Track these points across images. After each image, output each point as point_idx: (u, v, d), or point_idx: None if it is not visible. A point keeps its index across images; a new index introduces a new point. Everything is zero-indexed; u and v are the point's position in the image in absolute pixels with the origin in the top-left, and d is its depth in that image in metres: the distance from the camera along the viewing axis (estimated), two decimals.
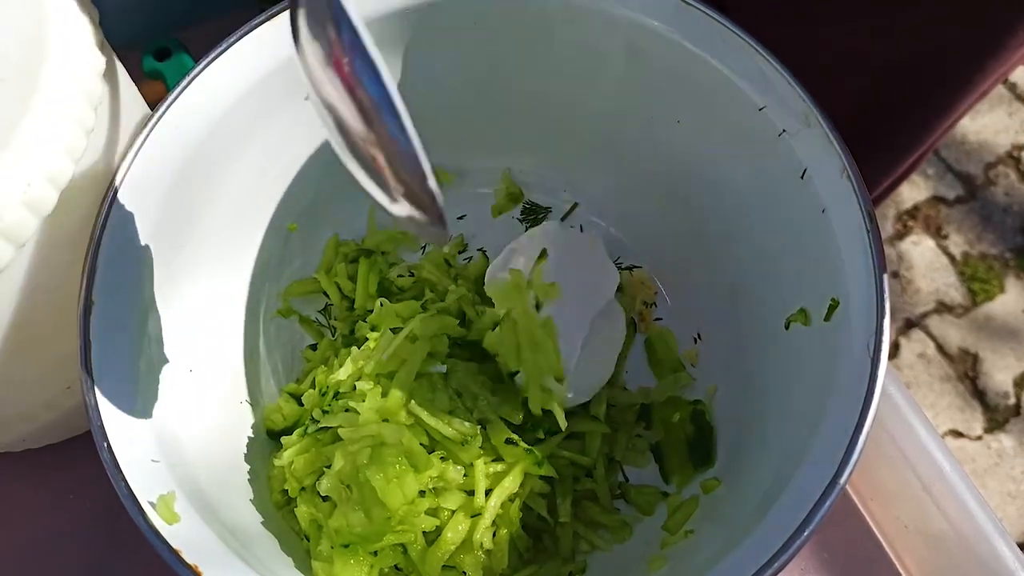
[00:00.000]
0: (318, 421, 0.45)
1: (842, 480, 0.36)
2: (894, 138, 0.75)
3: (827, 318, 0.41)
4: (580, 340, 0.48)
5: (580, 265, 0.50)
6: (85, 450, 0.37)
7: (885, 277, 0.39)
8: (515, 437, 0.46)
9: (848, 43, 0.65)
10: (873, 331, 0.38)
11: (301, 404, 0.49)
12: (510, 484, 0.45)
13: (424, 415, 0.44)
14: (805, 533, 0.35)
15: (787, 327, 0.45)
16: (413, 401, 0.45)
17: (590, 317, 0.49)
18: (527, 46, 0.49)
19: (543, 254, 0.49)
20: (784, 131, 0.43)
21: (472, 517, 0.44)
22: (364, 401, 0.44)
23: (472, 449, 0.45)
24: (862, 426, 0.37)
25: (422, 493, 0.43)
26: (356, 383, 0.46)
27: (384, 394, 0.45)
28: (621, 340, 0.51)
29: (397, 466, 0.42)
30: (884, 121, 0.72)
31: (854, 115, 0.68)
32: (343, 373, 0.47)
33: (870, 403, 0.37)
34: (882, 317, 0.38)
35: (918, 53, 0.64)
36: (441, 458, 0.45)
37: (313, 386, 0.49)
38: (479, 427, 0.46)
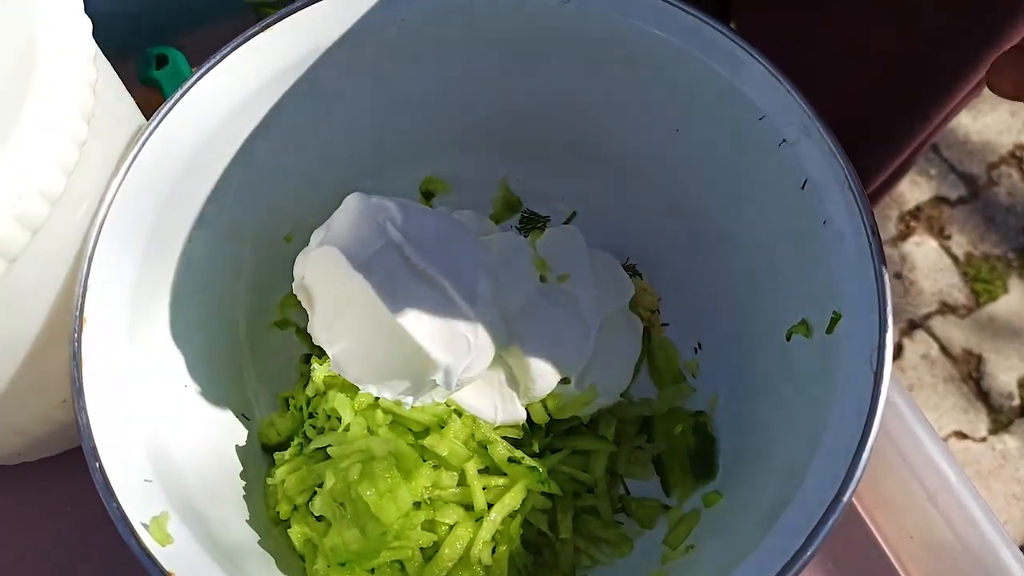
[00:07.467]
0: (310, 439, 0.45)
1: (845, 498, 0.35)
2: (894, 126, 0.75)
3: (829, 330, 0.40)
4: (594, 328, 0.47)
5: (593, 264, 0.50)
6: (81, 463, 0.37)
7: (887, 289, 0.39)
8: (518, 454, 0.45)
9: (848, 31, 0.65)
10: (876, 345, 0.38)
11: None
12: (511, 500, 0.44)
13: (394, 407, 0.44)
14: (809, 551, 0.35)
15: (788, 338, 0.44)
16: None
17: (603, 311, 0.48)
18: (523, 54, 0.48)
19: (538, 233, 0.50)
20: (784, 141, 0.42)
21: (475, 521, 0.44)
22: (347, 412, 0.44)
23: (451, 430, 0.44)
24: (865, 442, 0.36)
25: (417, 505, 0.43)
26: (334, 403, 0.46)
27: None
28: (638, 348, 0.51)
29: (388, 479, 0.42)
30: (884, 109, 0.72)
31: (854, 103, 0.68)
32: (311, 390, 0.47)
33: (873, 417, 0.37)
34: (884, 330, 0.38)
35: (917, 40, 0.64)
36: (433, 466, 0.44)
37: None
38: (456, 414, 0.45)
